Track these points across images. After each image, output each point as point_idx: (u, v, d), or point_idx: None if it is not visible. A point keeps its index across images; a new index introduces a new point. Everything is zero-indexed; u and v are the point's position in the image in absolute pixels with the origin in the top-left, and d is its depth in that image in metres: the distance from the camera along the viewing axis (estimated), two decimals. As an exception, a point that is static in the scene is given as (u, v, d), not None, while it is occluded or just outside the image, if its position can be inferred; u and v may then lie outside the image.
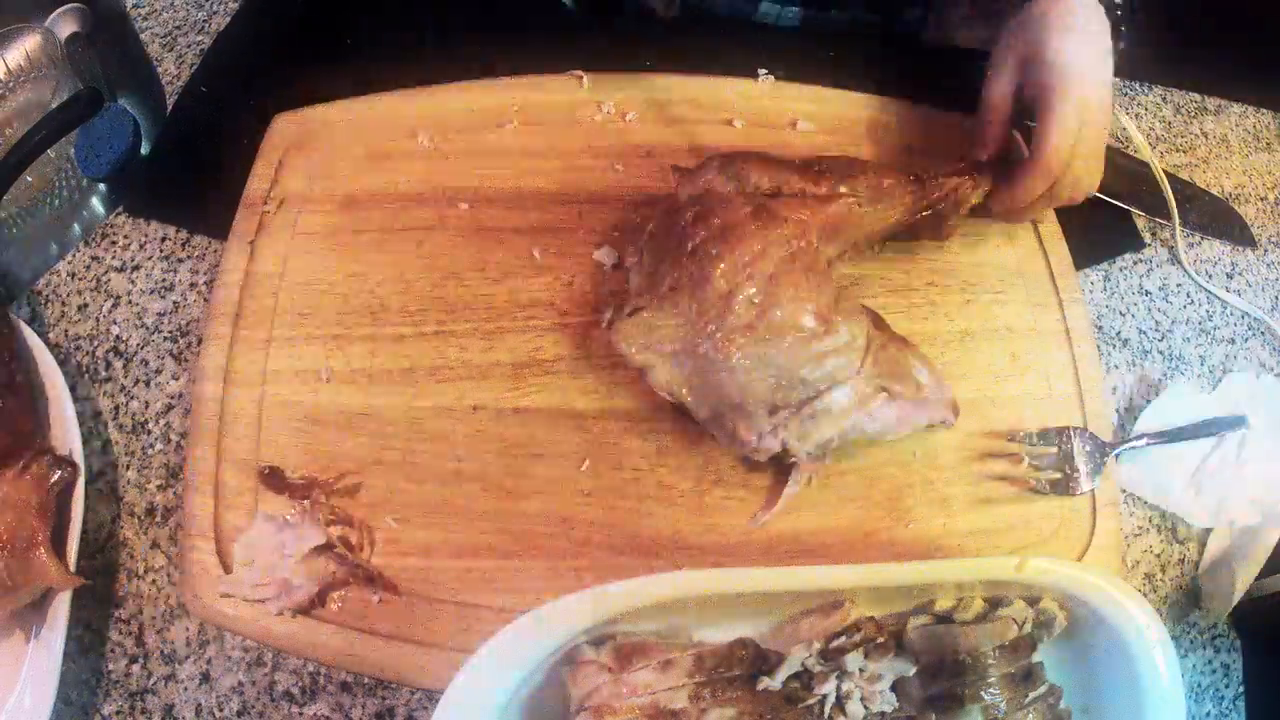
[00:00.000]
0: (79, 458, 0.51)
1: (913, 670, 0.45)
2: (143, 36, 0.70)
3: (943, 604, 0.46)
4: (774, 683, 0.43)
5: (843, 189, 0.53)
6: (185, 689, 0.50)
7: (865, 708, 0.44)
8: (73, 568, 0.48)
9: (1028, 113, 0.56)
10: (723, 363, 0.48)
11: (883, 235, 0.57)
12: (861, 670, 0.44)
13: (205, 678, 0.50)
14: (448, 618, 0.49)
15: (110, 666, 0.50)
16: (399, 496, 0.52)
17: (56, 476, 0.49)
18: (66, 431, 0.52)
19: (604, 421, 0.54)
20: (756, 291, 0.48)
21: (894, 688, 0.44)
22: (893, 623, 0.46)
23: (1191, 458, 0.57)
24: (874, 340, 0.51)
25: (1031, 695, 0.44)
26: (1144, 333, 0.63)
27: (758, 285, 0.48)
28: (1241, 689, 0.54)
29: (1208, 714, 0.53)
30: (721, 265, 0.48)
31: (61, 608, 0.48)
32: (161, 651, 0.50)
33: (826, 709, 0.43)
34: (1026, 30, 0.55)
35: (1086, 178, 0.55)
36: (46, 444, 0.50)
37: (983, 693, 0.43)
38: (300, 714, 0.49)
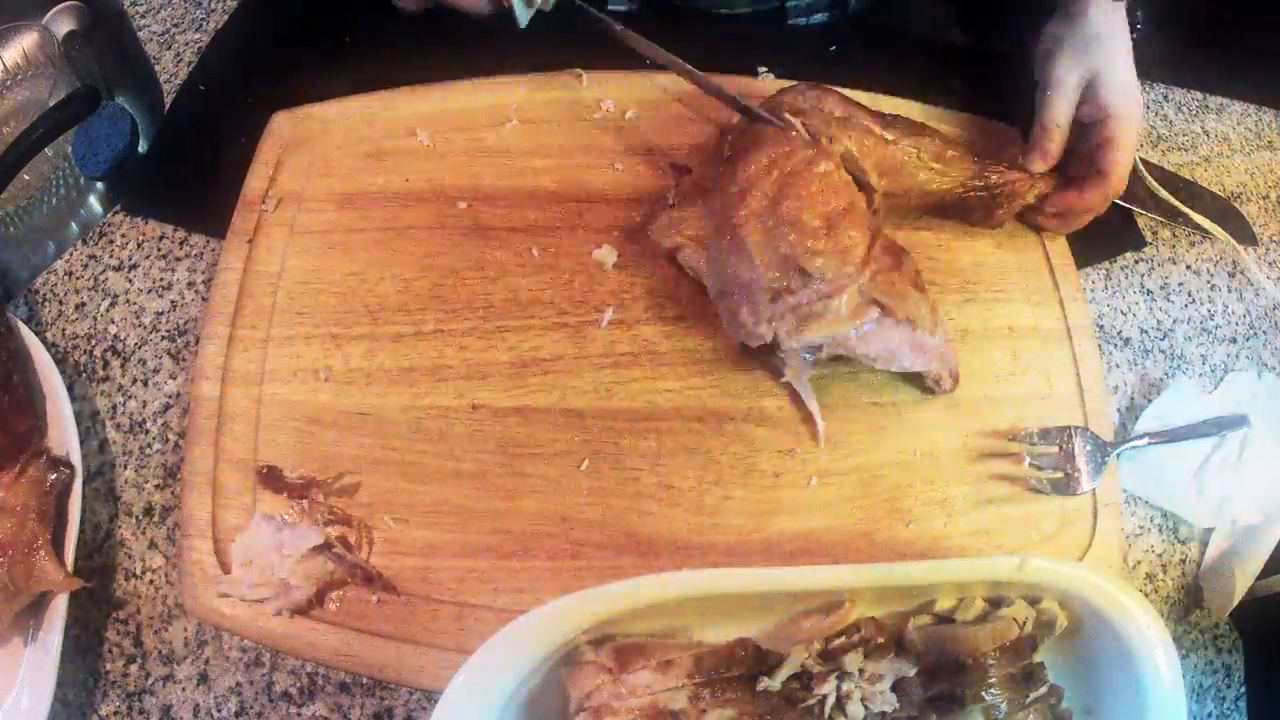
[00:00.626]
0: (76, 458, 0.51)
1: (913, 671, 0.44)
2: (140, 34, 0.70)
3: (943, 604, 0.46)
4: (774, 683, 0.43)
5: (906, 142, 0.57)
6: (183, 689, 0.49)
7: (866, 708, 0.43)
8: (70, 569, 0.48)
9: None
10: (735, 245, 0.52)
11: (933, 201, 0.59)
12: (862, 671, 0.44)
13: (203, 678, 0.50)
14: (447, 618, 0.49)
15: (108, 667, 0.50)
16: (398, 496, 0.52)
17: (54, 478, 0.49)
18: (64, 431, 0.51)
19: (604, 421, 0.54)
20: (773, 184, 0.53)
21: (895, 688, 0.44)
22: (893, 623, 0.46)
23: (1193, 457, 0.57)
24: (878, 260, 0.52)
25: (1033, 696, 0.44)
26: (1145, 332, 0.63)
27: (776, 180, 0.53)
28: (1243, 689, 0.54)
29: (1209, 714, 0.53)
30: (748, 163, 0.53)
31: (59, 608, 0.47)
32: (159, 652, 0.50)
33: (827, 709, 0.43)
34: (1088, 53, 0.57)
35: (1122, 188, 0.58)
36: (43, 445, 0.50)
37: (984, 693, 0.43)
38: (299, 714, 0.49)
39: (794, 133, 0.55)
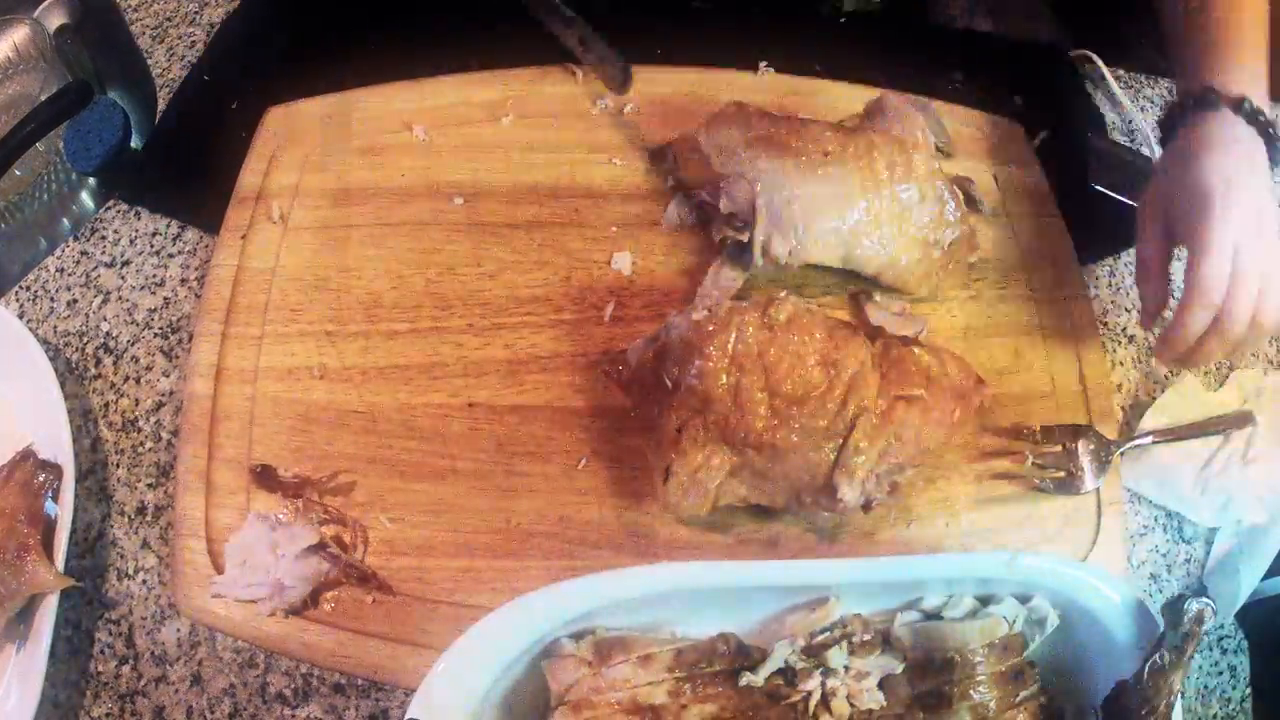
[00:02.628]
0: (69, 456, 0.50)
1: (900, 668, 0.44)
2: (133, 28, 0.69)
3: (932, 601, 0.45)
4: (757, 679, 0.42)
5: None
6: (176, 691, 0.49)
7: (851, 705, 0.43)
8: (62, 568, 0.47)
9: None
10: (772, 455, 0.47)
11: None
12: (847, 668, 0.43)
13: (196, 679, 0.49)
14: (443, 618, 0.49)
15: (99, 668, 0.49)
16: (393, 495, 0.51)
17: (41, 479, 0.48)
18: (56, 430, 0.51)
19: (602, 419, 0.54)
20: (756, 378, 0.46)
21: (881, 686, 0.44)
22: (880, 619, 0.45)
23: (1198, 456, 0.57)
24: (874, 356, 0.49)
25: (1022, 695, 0.44)
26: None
27: (753, 372, 0.47)
28: (1248, 691, 0.53)
29: (1214, 716, 0.52)
30: (710, 371, 0.46)
31: (49, 608, 0.47)
32: (152, 653, 0.50)
33: (811, 706, 0.43)
34: (1169, 165, 0.51)
35: (1265, 304, 0.46)
36: (29, 449, 0.50)
37: (971, 691, 0.43)
38: (293, 716, 0.49)
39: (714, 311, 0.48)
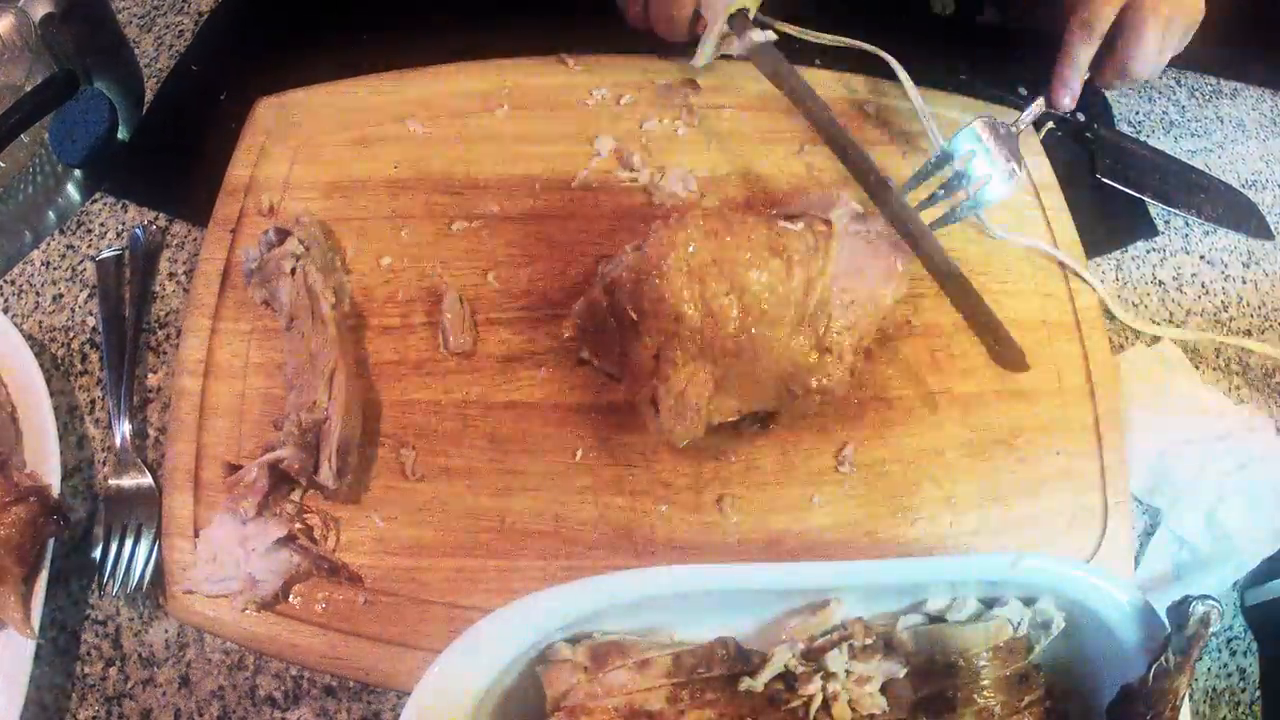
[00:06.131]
0: (55, 454, 0.49)
1: (903, 672, 0.43)
2: (120, 17, 0.68)
3: (935, 604, 0.44)
4: (756, 684, 0.42)
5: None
6: (164, 693, 0.48)
7: (853, 710, 0.42)
8: (37, 622, 0.45)
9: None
10: (752, 357, 0.47)
11: None
12: (849, 671, 0.42)
13: (184, 681, 0.48)
14: (436, 619, 0.48)
15: (86, 670, 0.48)
16: (386, 494, 0.50)
17: (42, 522, 0.47)
18: (42, 427, 0.50)
19: (599, 415, 0.53)
20: (719, 284, 0.46)
21: (883, 690, 0.43)
22: (882, 623, 0.44)
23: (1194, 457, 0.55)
24: (815, 233, 0.49)
25: (1027, 699, 0.43)
26: (1157, 324, 0.61)
27: (714, 279, 0.46)
28: (1258, 694, 0.52)
29: (1223, 719, 0.51)
30: (673, 289, 0.46)
31: (35, 609, 0.46)
32: (139, 654, 0.49)
33: (812, 712, 0.42)
34: None
35: (1136, 37, 0.52)
36: (44, 489, 0.48)
37: (975, 695, 0.42)
38: (283, 718, 0.48)
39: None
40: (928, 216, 0.53)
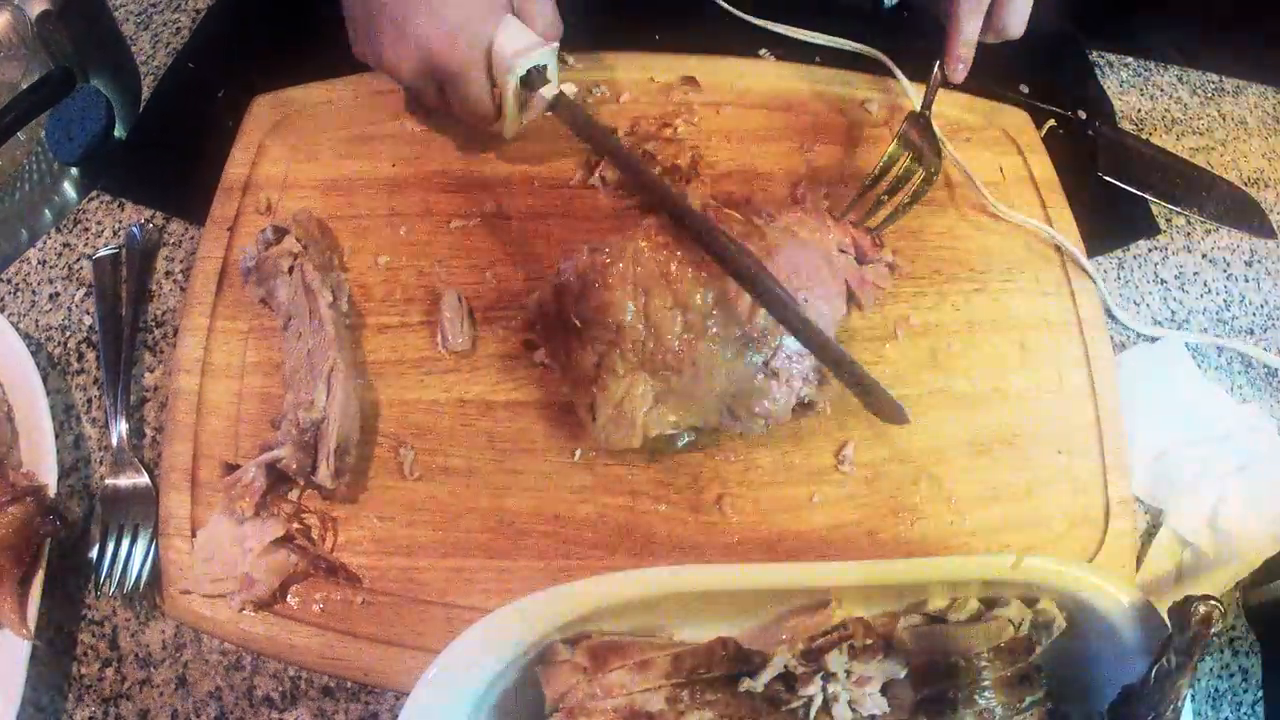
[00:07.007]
0: (51, 454, 0.49)
1: (903, 673, 0.43)
2: (116, 14, 0.68)
3: (936, 604, 0.44)
4: (756, 684, 0.41)
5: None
6: (161, 694, 0.48)
7: (853, 711, 0.42)
8: (33, 622, 0.45)
9: None
10: (694, 374, 0.46)
11: None
12: (849, 673, 0.42)
13: (182, 682, 0.48)
14: (435, 620, 0.48)
15: (82, 670, 0.48)
16: (384, 494, 0.50)
17: (38, 522, 0.46)
18: (38, 426, 0.50)
19: (597, 415, 0.52)
20: (663, 298, 0.46)
21: (884, 691, 0.43)
22: (883, 623, 0.44)
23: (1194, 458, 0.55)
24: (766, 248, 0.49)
25: (1029, 699, 0.42)
26: (1159, 323, 0.61)
27: (658, 293, 0.46)
28: (1260, 693, 0.52)
29: (1225, 719, 0.51)
30: (615, 301, 0.46)
31: (31, 608, 0.46)
32: (136, 655, 0.48)
33: (812, 712, 0.41)
34: None
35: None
36: (40, 489, 0.48)
37: (977, 696, 0.42)
38: (281, 719, 0.47)
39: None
40: (876, 220, 0.56)
